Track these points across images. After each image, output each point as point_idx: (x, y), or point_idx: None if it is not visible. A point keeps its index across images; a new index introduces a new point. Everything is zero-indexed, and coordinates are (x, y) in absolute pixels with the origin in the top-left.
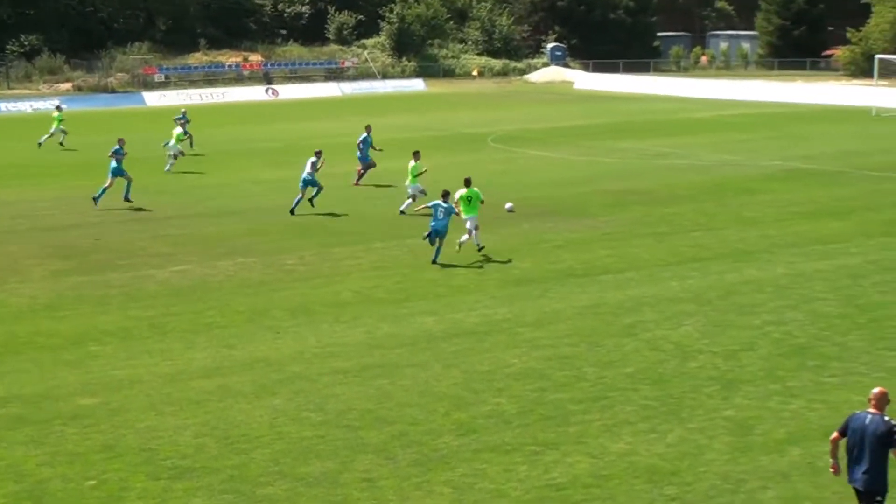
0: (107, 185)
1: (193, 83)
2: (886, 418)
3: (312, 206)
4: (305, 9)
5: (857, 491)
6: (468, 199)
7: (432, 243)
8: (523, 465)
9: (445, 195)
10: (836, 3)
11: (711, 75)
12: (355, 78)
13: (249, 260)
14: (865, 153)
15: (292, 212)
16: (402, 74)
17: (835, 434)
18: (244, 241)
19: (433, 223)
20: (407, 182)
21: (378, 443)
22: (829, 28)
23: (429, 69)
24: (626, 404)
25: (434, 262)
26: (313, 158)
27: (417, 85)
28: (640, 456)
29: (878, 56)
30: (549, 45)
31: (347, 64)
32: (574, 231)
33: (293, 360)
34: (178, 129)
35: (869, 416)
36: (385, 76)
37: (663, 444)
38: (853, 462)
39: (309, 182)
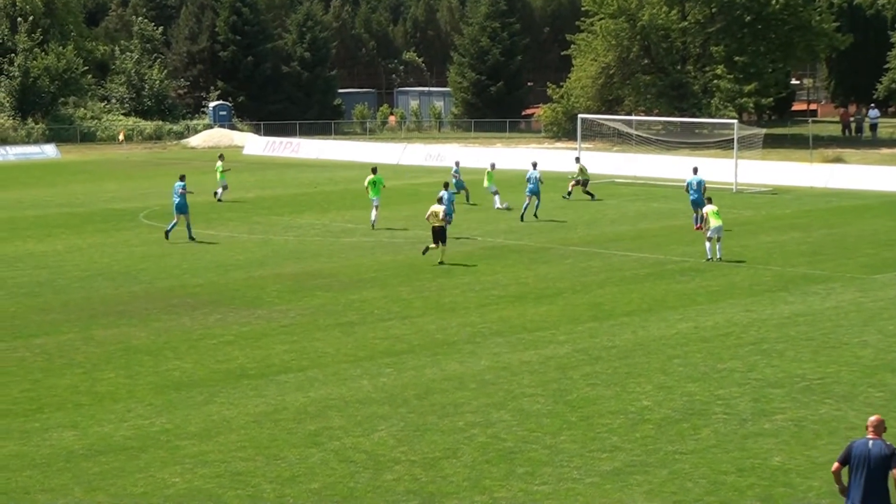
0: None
1: None
2: (888, 442)
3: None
4: None
5: None
6: (374, 183)
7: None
8: None
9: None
10: (535, 56)
11: (401, 138)
12: None
13: None
14: (570, 226)
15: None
16: (28, 140)
17: (835, 465)
18: None
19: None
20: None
21: None
22: (529, 84)
23: (63, 133)
24: None
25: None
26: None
27: (48, 151)
28: None
29: (580, 115)
30: (212, 104)
31: None
32: (245, 323)
33: None
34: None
35: (871, 442)
36: (6, 141)
37: None
38: (856, 488)
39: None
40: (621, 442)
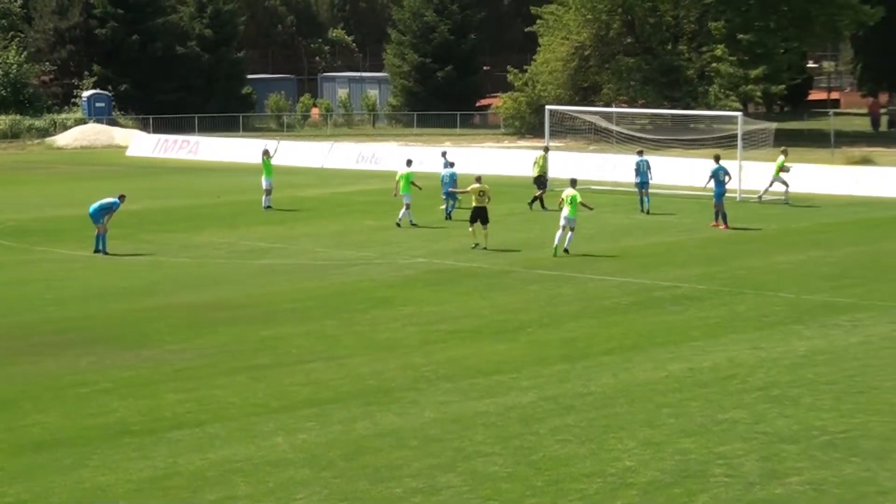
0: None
1: None
2: None
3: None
4: None
5: None
6: (406, 178)
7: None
8: None
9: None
10: (493, 34)
11: (327, 135)
12: None
13: None
14: (527, 243)
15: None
16: None
17: None
18: None
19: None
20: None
21: None
22: (486, 68)
23: None
24: None
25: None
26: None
27: None
28: None
29: (548, 107)
30: (86, 94)
31: None
32: (129, 367)
33: None
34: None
35: None
36: None
37: None
38: None
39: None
40: None
